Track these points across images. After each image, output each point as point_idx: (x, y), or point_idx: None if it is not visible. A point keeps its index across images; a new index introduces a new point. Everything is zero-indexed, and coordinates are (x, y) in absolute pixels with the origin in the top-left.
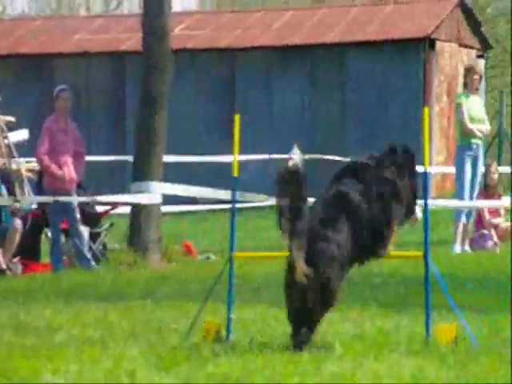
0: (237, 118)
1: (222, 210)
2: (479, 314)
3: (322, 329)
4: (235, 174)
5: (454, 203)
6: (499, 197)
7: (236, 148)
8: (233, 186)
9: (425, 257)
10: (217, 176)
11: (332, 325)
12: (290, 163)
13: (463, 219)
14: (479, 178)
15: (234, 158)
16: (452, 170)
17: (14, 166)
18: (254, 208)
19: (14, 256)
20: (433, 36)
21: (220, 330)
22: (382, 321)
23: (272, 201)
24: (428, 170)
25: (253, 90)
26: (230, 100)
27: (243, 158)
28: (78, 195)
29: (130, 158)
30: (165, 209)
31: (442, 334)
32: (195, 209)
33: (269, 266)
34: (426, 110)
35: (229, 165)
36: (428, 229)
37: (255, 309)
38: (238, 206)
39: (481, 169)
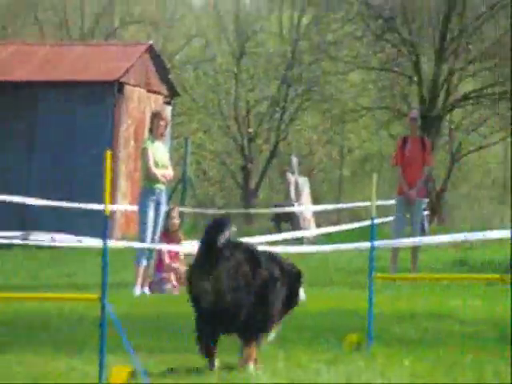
0: None
1: None
2: (155, 356)
3: None
4: None
5: (135, 246)
6: (180, 241)
7: None
8: None
9: (101, 299)
10: None
11: None
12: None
13: (144, 262)
14: (161, 222)
15: None
16: (136, 213)
17: None
18: None
19: None
20: (122, 80)
21: None
22: (55, 363)
23: None
24: (114, 212)
25: None
26: None
27: None
28: None
29: None
30: None
31: (116, 376)
32: None
33: None
34: (109, 154)
35: None
36: (106, 271)
37: None
38: None
39: (163, 213)
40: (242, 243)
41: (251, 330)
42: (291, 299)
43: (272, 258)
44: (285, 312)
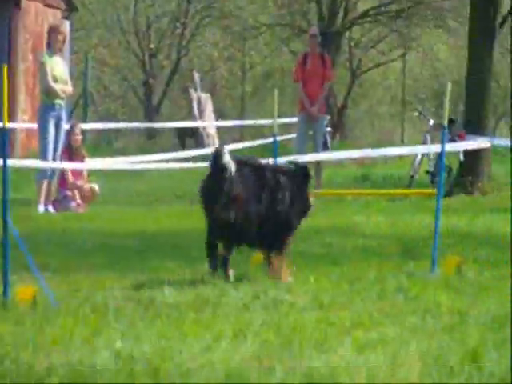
0: None
1: None
2: (60, 275)
3: None
4: None
5: (37, 163)
6: (83, 158)
7: None
8: None
9: (3, 217)
10: None
11: None
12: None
13: (47, 179)
14: (62, 139)
15: None
16: (37, 128)
17: None
18: None
19: None
20: None
21: None
22: None
23: None
24: (14, 128)
25: None
26: None
27: None
28: None
29: None
30: None
31: (21, 296)
32: None
33: None
34: (5, 67)
35: None
36: (7, 187)
37: None
38: None
39: (64, 129)
40: (246, 159)
41: (273, 240)
42: (304, 202)
43: (277, 168)
44: (301, 217)
